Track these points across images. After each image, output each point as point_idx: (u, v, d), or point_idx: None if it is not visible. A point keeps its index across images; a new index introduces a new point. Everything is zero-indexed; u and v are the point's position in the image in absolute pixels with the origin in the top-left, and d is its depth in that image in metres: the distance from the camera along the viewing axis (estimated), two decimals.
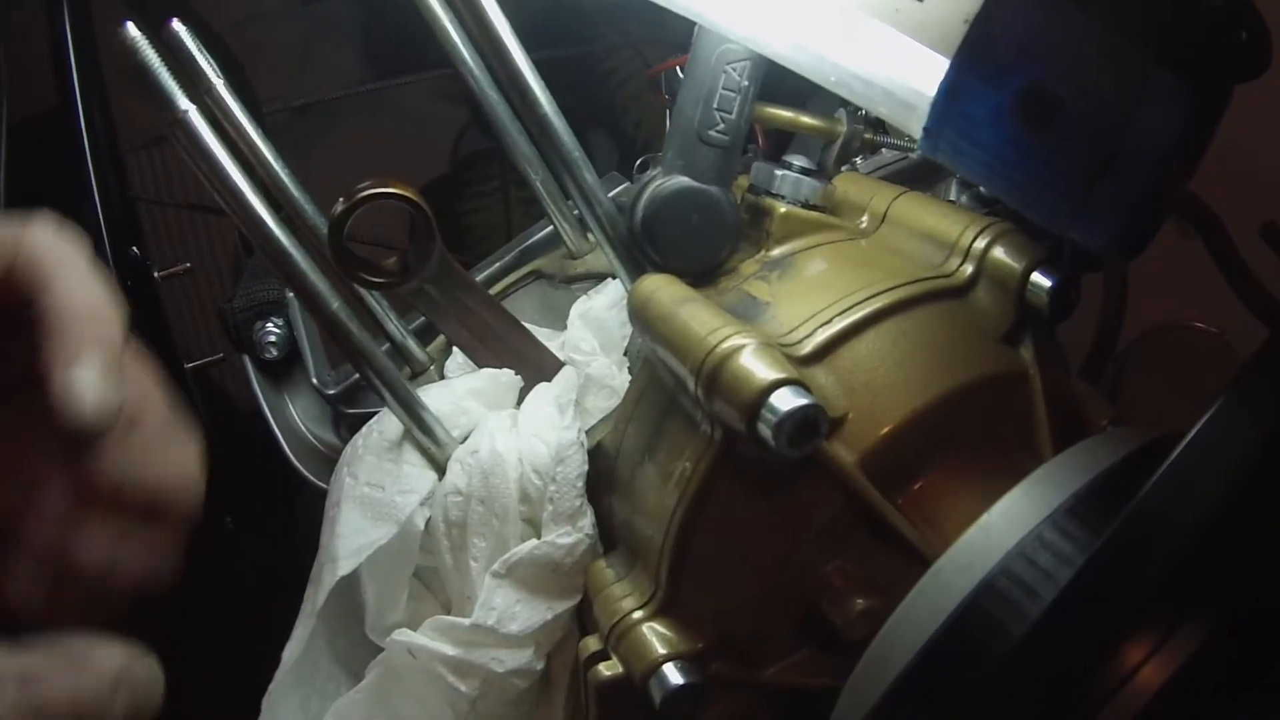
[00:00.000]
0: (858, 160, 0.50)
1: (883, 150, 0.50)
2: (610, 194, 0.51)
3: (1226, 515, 0.30)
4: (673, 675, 0.36)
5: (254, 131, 0.44)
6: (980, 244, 0.39)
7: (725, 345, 0.35)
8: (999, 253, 0.39)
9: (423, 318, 0.48)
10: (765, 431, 0.33)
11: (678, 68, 0.55)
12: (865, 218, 0.43)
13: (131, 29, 0.39)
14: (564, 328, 0.48)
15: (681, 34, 0.61)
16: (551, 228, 0.50)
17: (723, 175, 0.41)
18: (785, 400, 0.33)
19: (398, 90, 0.73)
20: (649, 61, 0.68)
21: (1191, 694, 0.30)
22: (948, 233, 0.40)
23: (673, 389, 0.39)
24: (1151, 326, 0.69)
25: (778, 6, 0.37)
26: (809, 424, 0.33)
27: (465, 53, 0.46)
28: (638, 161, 0.53)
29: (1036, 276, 0.38)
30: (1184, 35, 0.38)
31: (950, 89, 0.34)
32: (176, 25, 0.45)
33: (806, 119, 0.48)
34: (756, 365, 0.34)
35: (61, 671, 0.27)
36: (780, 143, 0.56)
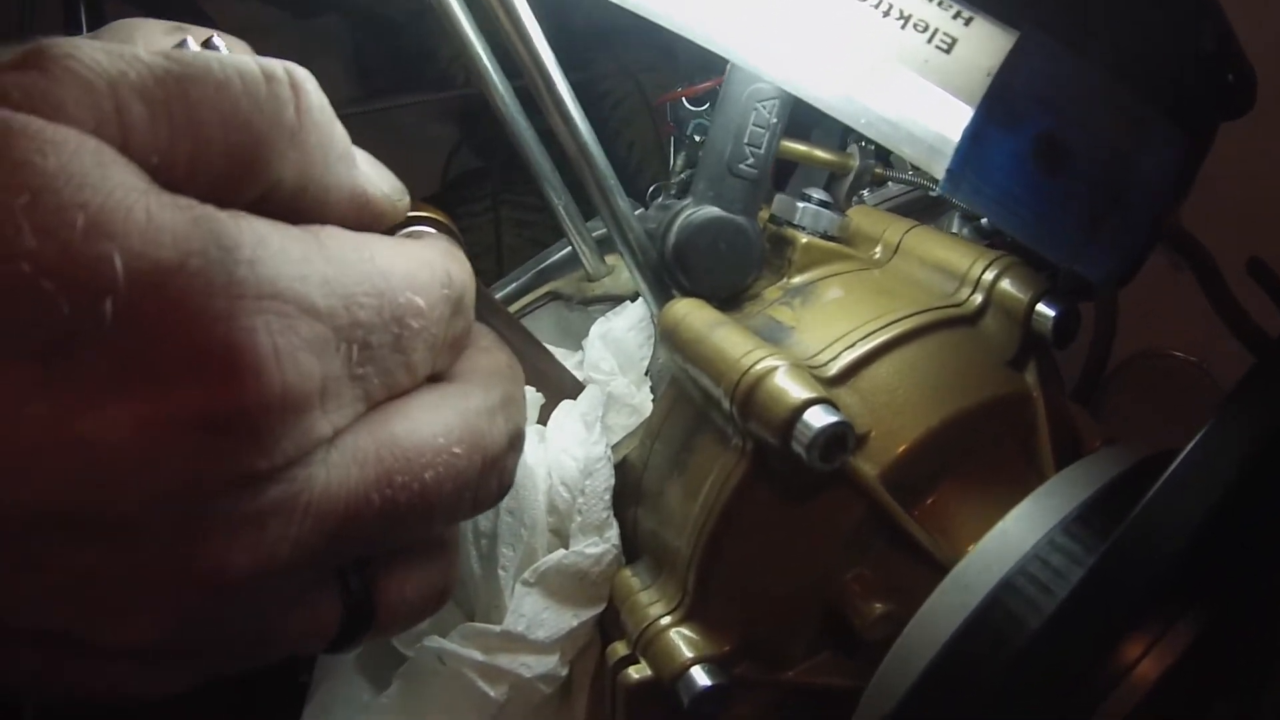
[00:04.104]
0: (865, 192, 0.55)
1: (889, 184, 0.56)
2: None
3: (1215, 524, 0.36)
4: (700, 677, 0.41)
5: None
6: (989, 276, 0.45)
7: (759, 367, 0.40)
8: (1006, 284, 0.45)
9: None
10: (798, 447, 0.38)
11: (684, 99, 0.61)
12: (879, 249, 0.49)
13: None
14: (578, 348, 0.53)
15: (680, 64, 0.66)
16: (569, 249, 0.55)
17: (750, 206, 0.46)
18: (817, 418, 0.38)
19: (389, 109, 0.77)
20: (644, 89, 0.73)
21: (1186, 683, 0.35)
22: (958, 265, 0.46)
23: (702, 407, 0.43)
24: (1132, 354, 0.76)
25: (814, 53, 0.42)
26: (839, 440, 0.38)
27: (495, 77, 0.51)
28: (650, 189, 0.58)
29: (1041, 307, 0.44)
30: (1180, 87, 0.44)
31: (973, 135, 0.39)
32: (218, 39, 0.49)
33: (821, 153, 0.54)
34: (790, 385, 0.39)
35: None
36: (781, 171, 0.61)
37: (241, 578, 0.27)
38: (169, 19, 0.54)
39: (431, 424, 0.31)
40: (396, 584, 0.34)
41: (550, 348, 0.53)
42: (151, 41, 0.43)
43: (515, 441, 0.36)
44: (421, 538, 0.35)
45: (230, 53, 0.43)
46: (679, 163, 0.61)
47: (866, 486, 0.40)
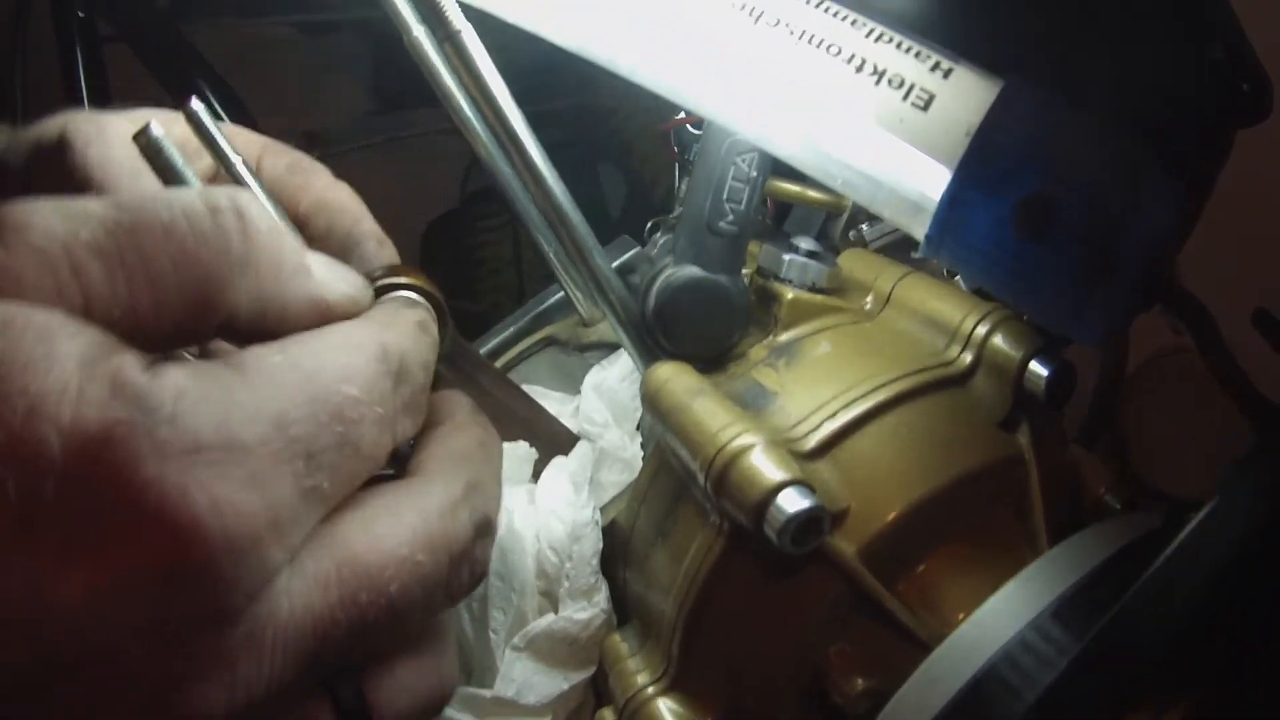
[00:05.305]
0: (864, 226, 0.53)
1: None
2: (622, 258, 0.55)
3: (1207, 612, 0.33)
4: None
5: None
6: (981, 331, 0.42)
7: (734, 444, 0.38)
8: (998, 341, 0.42)
9: None
10: (770, 531, 0.36)
11: (688, 125, 0.58)
12: (870, 298, 0.46)
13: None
14: (577, 392, 0.52)
15: None
16: (564, 293, 0.53)
17: (732, 264, 0.44)
18: (791, 501, 0.36)
19: (406, 124, 0.76)
20: (650, 107, 0.71)
21: None
22: (949, 318, 0.43)
23: (683, 477, 0.42)
24: (1155, 352, 0.72)
25: (786, 111, 0.39)
26: (812, 524, 0.36)
27: (478, 124, 0.49)
28: (649, 224, 0.56)
29: (1034, 365, 0.41)
30: (1178, 131, 0.41)
31: (951, 200, 0.37)
32: (195, 104, 0.47)
33: (813, 193, 0.51)
34: (764, 466, 0.37)
35: None
36: (785, 207, 0.59)
37: (222, 716, 0.27)
38: (159, 57, 0.53)
39: (392, 534, 0.31)
40: (388, 688, 0.33)
41: (548, 392, 0.52)
42: (122, 132, 0.43)
43: (483, 529, 0.35)
44: (401, 638, 0.34)
45: (202, 112, 0.42)
46: (683, 190, 0.58)
47: (844, 565, 0.39)
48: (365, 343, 0.32)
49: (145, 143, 0.39)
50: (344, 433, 0.29)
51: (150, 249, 0.27)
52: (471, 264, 0.77)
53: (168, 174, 0.40)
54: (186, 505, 0.25)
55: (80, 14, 0.58)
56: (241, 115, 0.63)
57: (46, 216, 0.26)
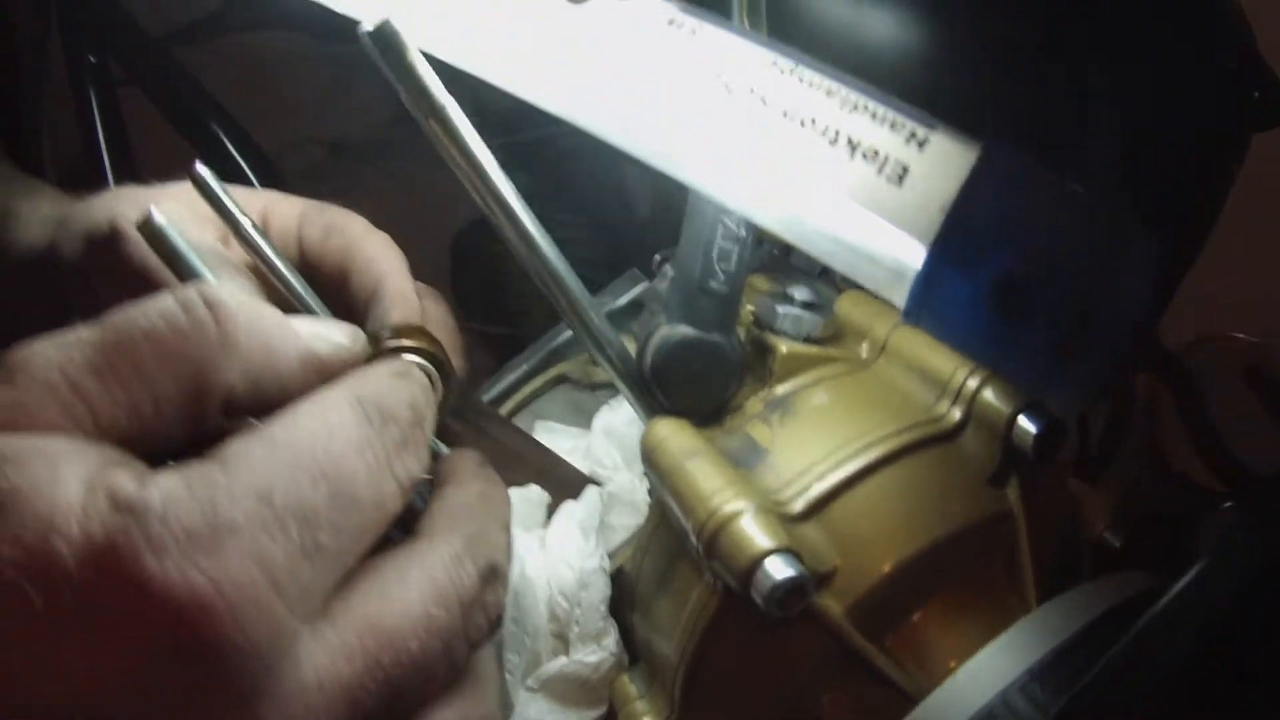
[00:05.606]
0: None
1: None
2: (631, 293, 0.56)
3: (1175, 691, 0.34)
4: None
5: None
6: (971, 385, 0.43)
7: (725, 510, 0.39)
8: (988, 395, 0.43)
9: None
10: (757, 596, 0.38)
11: None
12: (865, 345, 0.47)
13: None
14: (591, 428, 0.53)
15: None
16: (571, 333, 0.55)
17: (724, 323, 0.45)
18: (777, 569, 0.37)
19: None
20: None
21: None
22: (940, 371, 0.44)
23: (680, 534, 0.44)
24: (1187, 342, 0.71)
25: (765, 182, 0.40)
26: (797, 591, 0.38)
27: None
28: (656, 257, 0.57)
29: (1022, 420, 0.42)
30: (1163, 188, 0.41)
31: (926, 279, 0.37)
32: (200, 168, 0.49)
33: None
34: (753, 532, 0.38)
35: None
36: None
37: None
38: (169, 98, 0.54)
39: (403, 594, 0.33)
40: None
41: (565, 428, 0.54)
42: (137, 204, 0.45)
43: (488, 575, 0.36)
44: (436, 688, 0.35)
45: (208, 176, 0.44)
46: None
47: (831, 624, 0.40)
48: (335, 401, 0.33)
49: (149, 231, 0.41)
50: (333, 488, 0.31)
51: (137, 356, 0.30)
52: (502, 272, 0.79)
53: (173, 260, 0.42)
54: (187, 587, 0.27)
55: (92, 59, 0.59)
56: (252, 153, 0.65)
57: (43, 350, 0.30)
